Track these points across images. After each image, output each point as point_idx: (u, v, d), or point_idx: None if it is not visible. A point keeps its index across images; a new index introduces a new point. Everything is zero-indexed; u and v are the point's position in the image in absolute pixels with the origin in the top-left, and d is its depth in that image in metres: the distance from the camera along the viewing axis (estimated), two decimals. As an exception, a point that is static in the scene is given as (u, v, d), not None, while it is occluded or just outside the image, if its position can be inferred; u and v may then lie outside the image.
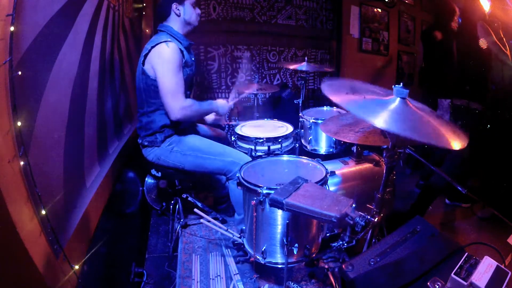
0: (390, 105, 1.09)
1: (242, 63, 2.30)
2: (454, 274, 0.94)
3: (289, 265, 1.51)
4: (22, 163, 1.01)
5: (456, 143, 1.00)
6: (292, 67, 2.65)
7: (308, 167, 1.76)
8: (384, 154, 1.28)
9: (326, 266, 1.70)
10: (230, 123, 2.62)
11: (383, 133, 1.33)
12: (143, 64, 1.84)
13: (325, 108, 2.75)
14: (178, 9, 1.89)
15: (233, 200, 1.94)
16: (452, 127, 1.09)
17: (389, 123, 1.00)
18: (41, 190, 1.09)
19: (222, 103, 2.10)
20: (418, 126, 1.03)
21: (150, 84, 1.85)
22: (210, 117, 2.37)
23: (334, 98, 1.12)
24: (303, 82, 2.68)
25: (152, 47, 1.80)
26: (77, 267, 1.28)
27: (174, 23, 1.92)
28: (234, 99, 2.25)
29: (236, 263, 1.77)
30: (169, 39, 1.83)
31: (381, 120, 1.00)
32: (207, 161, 1.91)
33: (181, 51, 1.86)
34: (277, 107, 3.67)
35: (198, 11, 1.98)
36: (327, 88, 1.19)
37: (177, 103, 1.80)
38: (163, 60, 1.78)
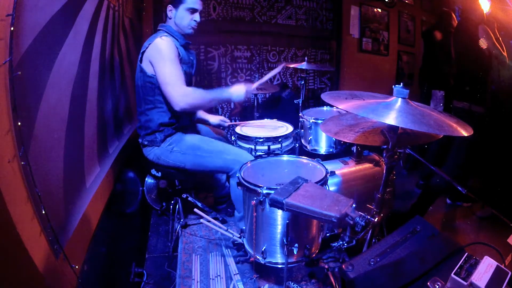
0: (394, 105, 1.14)
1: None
2: (454, 274, 0.94)
3: (289, 265, 1.51)
4: (22, 163, 1.01)
5: (464, 131, 1.08)
6: (292, 67, 2.66)
7: (308, 167, 1.76)
8: (384, 154, 1.28)
9: (326, 266, 1.70)
10: (232, 123, 2.60)
11: (383, 133, 1.33)
12: (141, 61, 1.87)
13: (325, 108, 2.76)
14: (170, 11, 1.91)
15: (233, 197, 1.94)
16: (454, 119, 1.15)
17: (401, 121, 1.06)
18: (41, 190, 1.09)
19: (237, 89, 1.90)
20: (428, 121, 1.08)
21: (146, 81, 1.87)
22: (215, 120, 2.37)
23: (339, 105, 1.19)
24: (303, 82, 2.68)
25: (149, 43, 1.82)
26: (77, 267, 1.28)
27: (172, 24, 1.95)
28: (259, 82, 2.06)
29: (236, 263, 1.77)
30: (165, 35, 1.86)
31: (391, 119, 1.06)
32: (207, 160, 1.90)
33: (177, 48, 1.87)
34: (277, 107, 3.67)
35: (197, 18, 1.94)
36: (327, 97, 1.29)
37: (177, 91, 1.79)
38: (159, 52, 1.80)
